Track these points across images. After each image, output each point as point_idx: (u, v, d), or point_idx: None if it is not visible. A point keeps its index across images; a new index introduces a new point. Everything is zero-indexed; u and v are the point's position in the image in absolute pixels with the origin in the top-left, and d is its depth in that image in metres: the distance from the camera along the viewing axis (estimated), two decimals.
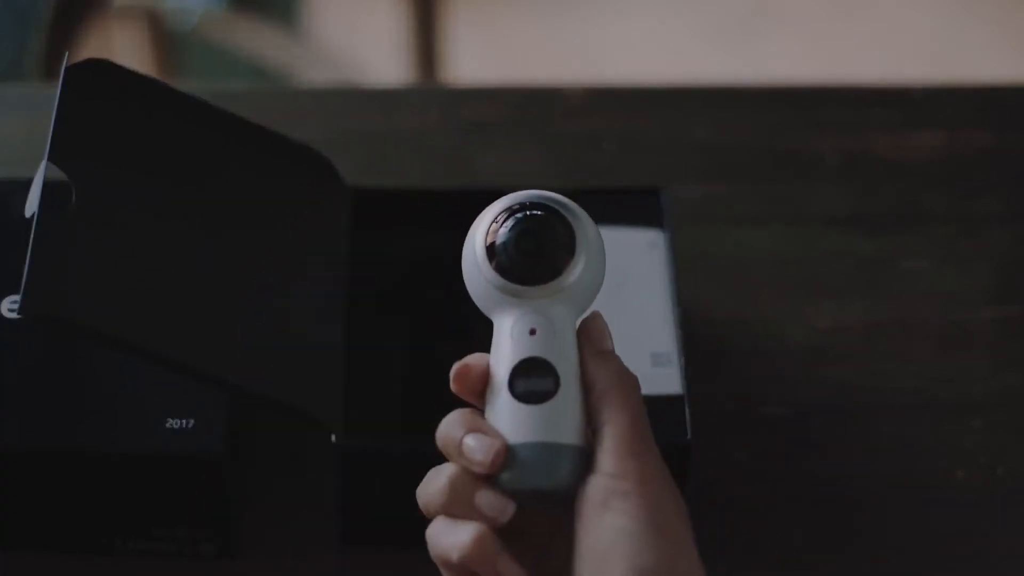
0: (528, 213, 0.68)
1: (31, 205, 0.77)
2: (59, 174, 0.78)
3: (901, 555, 0.86)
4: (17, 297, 0.82)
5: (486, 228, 0.68)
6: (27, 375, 0.82)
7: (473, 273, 0.68)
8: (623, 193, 0.91)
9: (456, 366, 0.67)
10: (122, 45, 1.69)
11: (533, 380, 0.66)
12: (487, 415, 0.66)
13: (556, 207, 0.68)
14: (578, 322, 0.68)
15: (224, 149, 0.85)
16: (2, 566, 0.84)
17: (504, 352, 0.66)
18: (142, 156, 0.82)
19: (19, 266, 0.75)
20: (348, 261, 0.87)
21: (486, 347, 0.68)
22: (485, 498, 0.65)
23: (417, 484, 0.67)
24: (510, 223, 0.67)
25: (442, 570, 0.66)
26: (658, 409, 0.82)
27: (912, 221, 1.02)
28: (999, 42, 2.13)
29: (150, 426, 0.80)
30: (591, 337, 0.67)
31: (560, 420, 0.65)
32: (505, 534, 0.65)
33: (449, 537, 0.65)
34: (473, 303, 0.69)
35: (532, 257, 0.67)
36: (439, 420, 0.67)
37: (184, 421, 0.80)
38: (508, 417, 0.65)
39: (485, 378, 0.67)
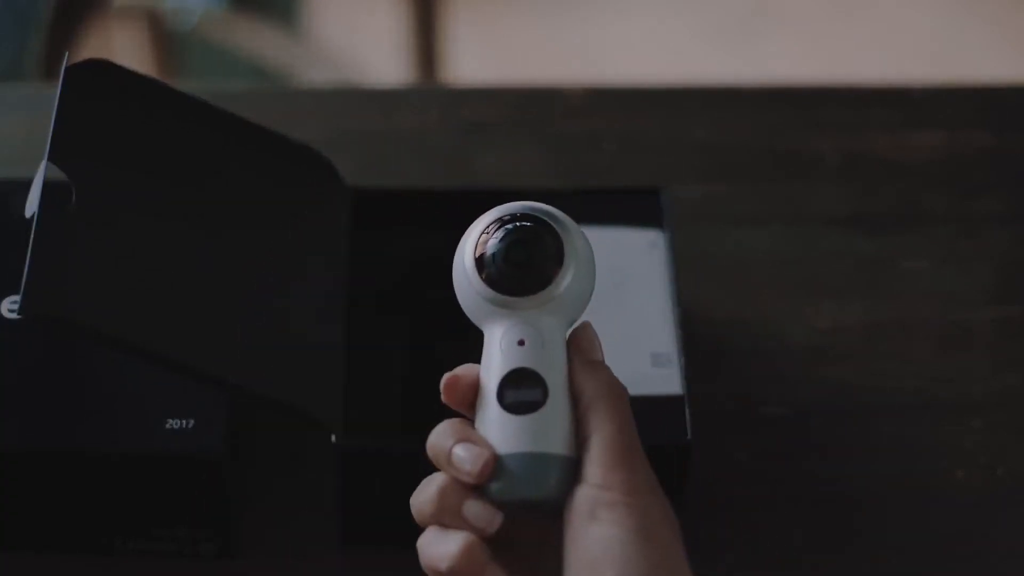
0: (516, 224, 0.68)
1: (31, 205, 0.77)
2: (59, 174, 0.78)
3: (901, 555, 0.86)
4: (17, 297, 0.82)
5: (475, 240, 0.68)
6: (27, 375, 0.82)
7: (463, 284, 0.68)
8: (623, 193, 0.91)
9: (446, 377, 0.67)
10: (122, 45, 1.69)
11: (522, 391, 0.66)
12: (477, 425, 0.66)
13: (544, 218, 0.68)
14: (568, 332, 0.68)
15: (224, 149, 0.85)
16: (2, 566, 0.84)
17: (493, 363, 0.67)
18: (142, 156, 0.82)
19: (19, 266, 0.75)
20: (348, 261, 0.87)
21: None
22: (473, 508, 0.65)
23: (417, 484, 0.67)
24: (499, 235, 0.68)
25: None
26: (658, 409, 0.82)
27: (912, 221, 1.02)
28: (999, 42, 2.13)
29: (150, 426, 0.80)
30: (581, 347, 0.68)
31: (549, 430, 0.65)
32: (494, 544, 0.65)
33: (439, 547, 0.65)
34: None
35: (520, 268, 0.67)
36: (439, 420, 0.67)
37: (184, 421, 0.80)
38: (497, 427, 0.65)
39: (475, 388, 0.67)
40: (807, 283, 0.98)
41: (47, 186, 0.77)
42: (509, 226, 0.68)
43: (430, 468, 0.67)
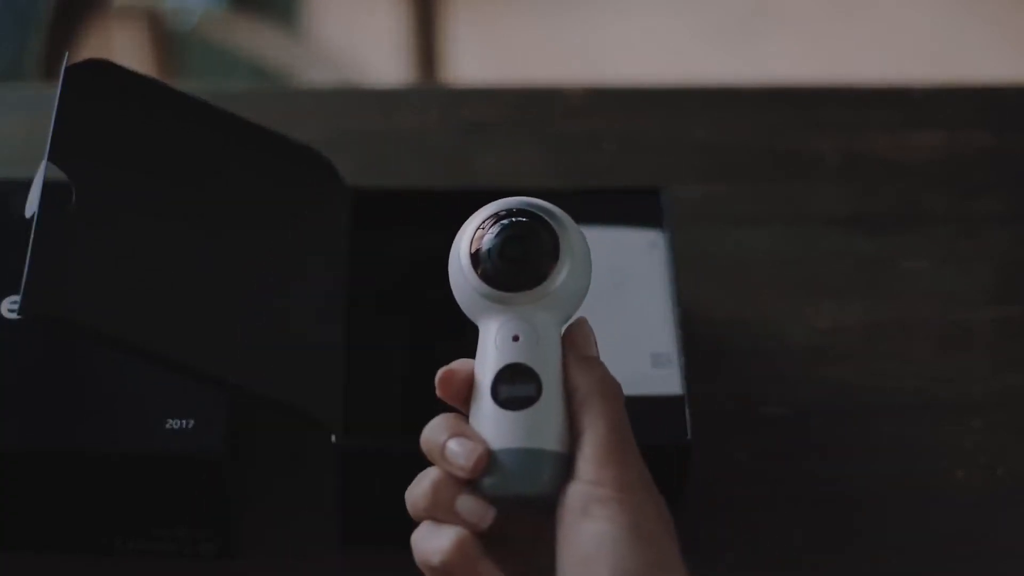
0: (512, 220, 0.68)
1: (31, 205, 0.77)
2: (59, 174, 0.78)
3: (901, 555, 0.86)
4: (17, 297, 0.82)
5: (471, 235, 0.68)
6: (27, 375, 0.82)
7: (459, 280, 0.68)
8: (623, 193, 0.91)
9: (441, 371, 0.67)
10: (122, 45, 1.69)
11: (515, 386, 0.66)
12: (471, 420, 0.66)
13: (540, 213, 0.68)
14: (563, 328, 0.68)
15: (224, 149, 0.85)
16: (2, 566, 0.84)
17: (488, 358, 0.67)
18: (142, 156, 0.82)
19: (19, 266, 0.75)
20: (348, 261, 0.87)
21: None
22: (466, 503, 0.65)
23: None
24: (494, 230, 0.68)
25: (427, 574, 0.66)
26: (658, 409, 0.82)
27: (912, 221, 1.02)
28: (999, 42, 2.13)
29: (150, 426, 0.80)
30: (575, 342, 0.68)
31: (542, 426, 0.65)
32: (488, 540, 0.65)
33: (432, 542, 0.65)
34: None
35: (515, 263, 0.67)
36: None
37: (184, 421, 0.80)
38: (491, 423, 0.65)
39: (469, 383, 0.67)
40: (807, 283, 0.98)
41: (47, 186, 0.77)
42: (505, 221, 0.68)
43: (429, 466, 0.67)
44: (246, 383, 0.78)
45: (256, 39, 1.69)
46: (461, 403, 0.67)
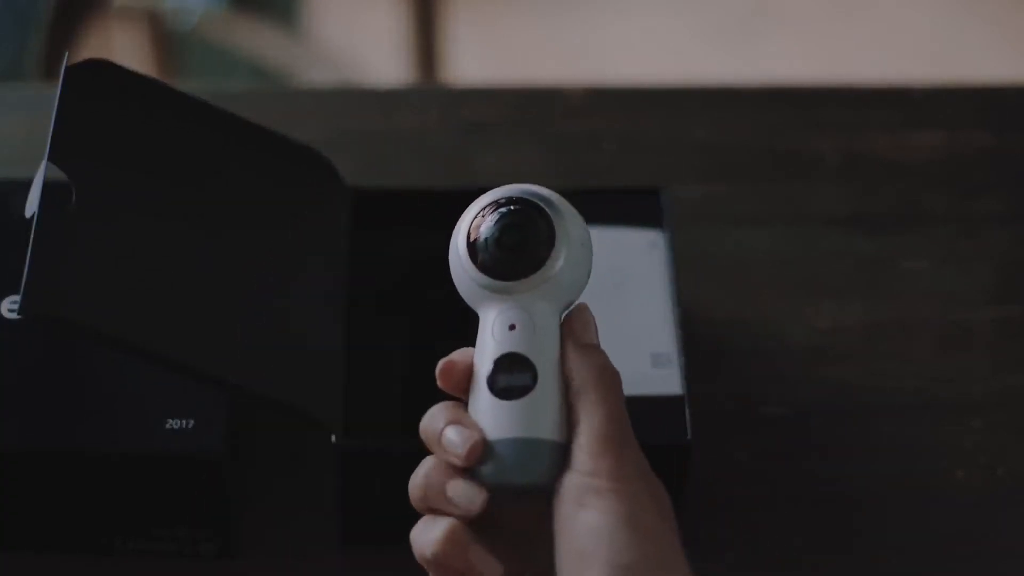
0: (508, 208, 0.68)
1: (31, 205, 0.77)
2: (59, 174, 0.78)
3: (901, 555, 0.86)
4: (17, 297, 0.82)
5: (468, 224, 0.68)
6: (27, 375, 0.82)
7: (457, 269, 0.68)
8: (623, 193, 0.91)
9: (442, 362, 0.67)
10: (122, 45, 1.69)
11: (512, 376, 0.66)
12: (469, 410, 0.66)
13: (536, 201, 0.68)
14: (562, 317, 0.68)
15: (224, 149, 0.85)
16: (2, 566, 0.84)
17: (486, 348, 0.67)
18: (142, 156, 0.82)
19: (19, 266, 0.75)
20: (348, 261, 0.87)
21: None
22: (456, 488, 0.65)
23: None
24: (491, 219, 0.68)
25: (426, 569, 0.66)
26: (658, 409, 0.82)
27: (912, 221, 1.02)
28: (999, 42, 2.13)
29: (150, 426, 0.80)
30: (574, 329, 0.67)
31: (538, 416, 0.65)
32: (485, 532, 0.65)
33: (425, 535, 0.65)
34: None
35: (511, 252, 0.67)
36: None
37: (184, 421, 0.80)
38: (488, 412, 0.65)
39: (470, 373, 0.67)
40: (807, 283, 0.98)
41: (47, 186, 0.77)
42: (502, 210, 0.68)
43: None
44: (246, 383, 0.78)
45: (256, 39, 1.69)
46: (462, 393, 0.67)
